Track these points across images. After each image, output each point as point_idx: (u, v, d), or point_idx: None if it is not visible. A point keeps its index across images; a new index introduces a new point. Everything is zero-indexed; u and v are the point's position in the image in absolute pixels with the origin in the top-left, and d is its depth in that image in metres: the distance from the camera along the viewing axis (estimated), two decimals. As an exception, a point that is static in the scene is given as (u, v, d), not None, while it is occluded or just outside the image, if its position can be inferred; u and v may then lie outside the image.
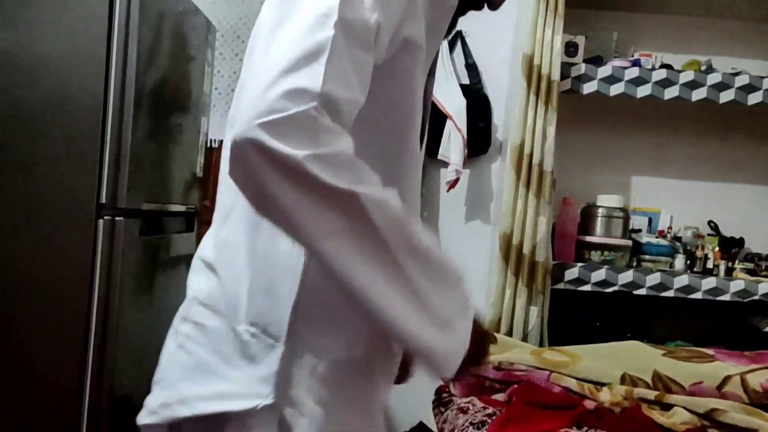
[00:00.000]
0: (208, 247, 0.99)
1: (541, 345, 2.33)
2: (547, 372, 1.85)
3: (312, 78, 0.69)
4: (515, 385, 1.83)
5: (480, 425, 1.66)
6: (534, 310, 2.33)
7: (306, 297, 0.86)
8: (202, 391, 0.89)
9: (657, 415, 1.70)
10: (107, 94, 1.66)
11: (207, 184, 2.39)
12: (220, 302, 0.92)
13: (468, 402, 1.80)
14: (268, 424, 0.85)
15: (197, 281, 0.98)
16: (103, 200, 1.66)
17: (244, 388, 0.86)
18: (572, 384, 1.81)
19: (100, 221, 1.66)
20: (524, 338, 2.32)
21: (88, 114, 1.67)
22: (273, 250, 0.87)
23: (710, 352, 1.96)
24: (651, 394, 1.78)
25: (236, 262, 0.91)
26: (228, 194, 0.96)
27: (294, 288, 0.86)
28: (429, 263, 0.78)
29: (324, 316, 0.88)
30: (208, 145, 2.47)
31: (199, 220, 2.25)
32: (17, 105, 1.67)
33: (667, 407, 1.75)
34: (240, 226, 0.92)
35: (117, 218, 1.68)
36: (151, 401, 0.95)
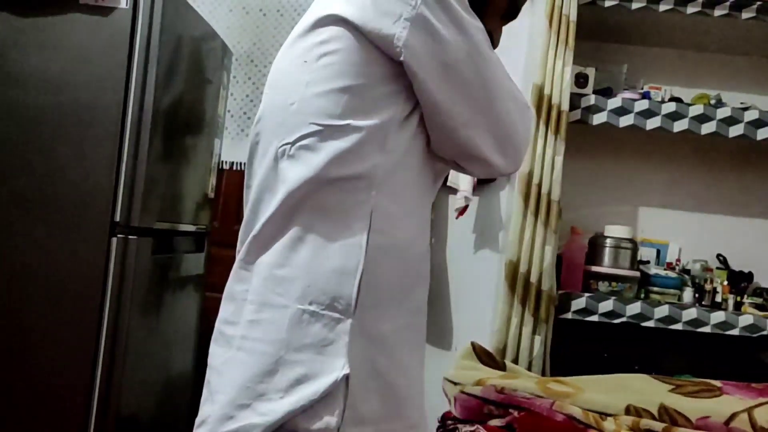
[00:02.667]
0: (243, 249, 1.02)
1: (543, 374, 2.31)
2: (550, 400, 1.83)
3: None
4: (515, 412, 1.81)
5: (485, 454, 1.65)
6: (538, 339, 2.32)
7: (369, 270, 0.92)
8: (278, 383, 0.91)
9: None
10: (125, 115, 1.70)
11: (218, 206, 2.41)
12: (267, 294, 0.95)
13: (473, 430, 1.79)
14: (336, 400, 0.89)
15: (241, 284, 1.00)
16: (117, 219, 1.69)
17: (318, 367, 0.90)
18: (576, 412, 1.80)
19: (114, 239, 1.68)
20: (528, 367, 2.30)
21: (106, 133, 1.70)
22: (333, 229, 0.93)
23: (717, 384, 1.95)
24: (658, 426, 1.76)
25: (287, 249, 0.95)
26: (264, 194, 1.00)
27: (356, 263, 0.92)
28: None
29: (385, 287, 0.95)
30: (221, 166, 2.50)
31: (210, 240, 2.27)
32: (36, 124, 1.70)
33: (674, 441, 1.74)
34: (285, 211, 0.96)
35: (130, 237, 1.70)
36: (216, 410, 0.95)
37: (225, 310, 1.03)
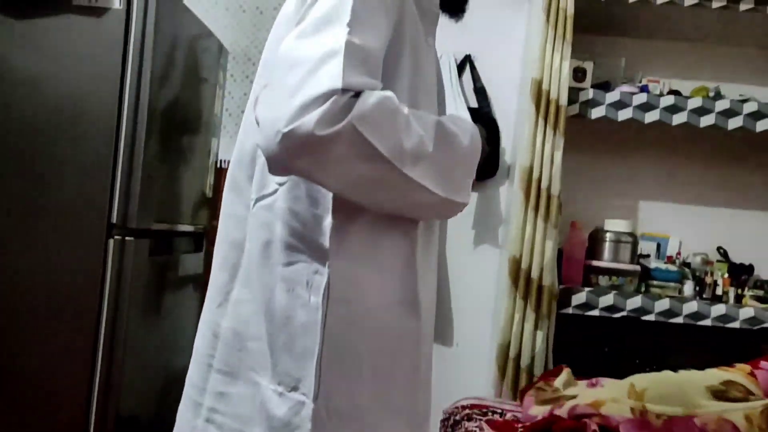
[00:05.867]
0: (211, 309, 0.99)
1: (545, 370, 2.31)
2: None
3: (332, 78, 0.76)
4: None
5: (486, 451, 1.65)
6: (540, 335, 2.32)
7: (333, 347, 0.87)
8: None
9: None
10: (120, 116, 1.69)
11: (216, 204, 2.41)
12: (239, 365, 0.92)
13: (476, 426, 1.78)
14: None
15: (206, 347, 0.97)
16: (114, 220, 1.68)
17: None
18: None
19: (111, 241, 1.68)
20: (531, 363, 2.30)
21: (102, 135, 1.69)
22: (289, 307, 0.88)
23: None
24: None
25: (253, 322, 0.91)
26: (232, 252, 0.97)
27: (314, 342, 0.86)
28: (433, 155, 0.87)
29: (357, 360, 0.89)
30: (218, 165, 2.49)
31: (208, 240, 2.27)
32: (32, 126, 1.70)
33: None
34: (252, 284, 0.92)
35: (127, 238, 1.69)
36: None
37: (191, 371, 1.00)
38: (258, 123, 0.82)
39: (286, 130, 0.75)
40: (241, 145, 1.00)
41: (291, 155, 0.77)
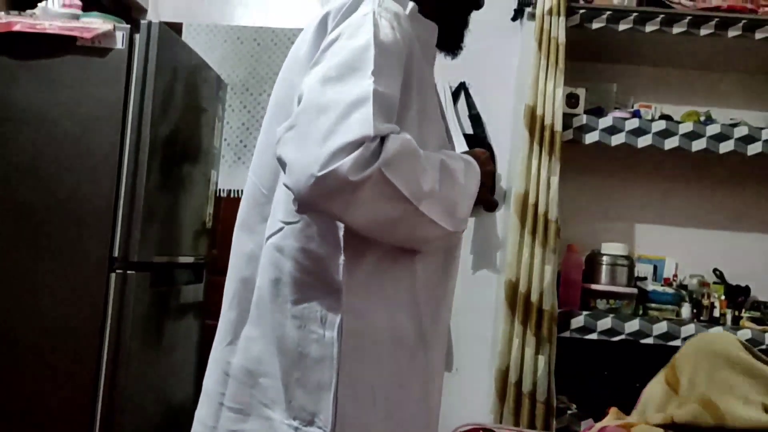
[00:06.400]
0: (221, 347, 1.01)
1: (548, 394, 2.31)
2: None
3: (363, 126, 0.82)
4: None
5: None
6: (542, 359, 2.32)
7: (348, 379, 0.89)
8: None
9: None
10: (122, 154, 1.72)
11: (216, 233, 2.43)
12: (251, 402, 0.93)
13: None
14: None
15: (216, 385, 0.99)
16: (116, 254, 1.70)
17: None
18: None
19: (112, 275, 1.70)
20: (533, 388, 2.30)
21: (104, 171, 1.72)
22: (302, 343, 0.91)
23: None
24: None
25: (264, 359, 0.93)
26: (241, 290, 0.99)
27: (330, 376, 0.89)
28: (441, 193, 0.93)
29: (371, 389, 0.91)
30: (218, 194, 2.52)
31: (208, 270, 2.28)
32: (35, 162, 1.73)
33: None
34: (263, 322, 0.94)
35: (129, 272, 1.71)
36: None
37: (200, 410, 1.01)
38: (283, 164, 0.85)
39: (320, 174, 0.79)
40: (253, 185, 1.02)
41: (323, 197, 0.81)
